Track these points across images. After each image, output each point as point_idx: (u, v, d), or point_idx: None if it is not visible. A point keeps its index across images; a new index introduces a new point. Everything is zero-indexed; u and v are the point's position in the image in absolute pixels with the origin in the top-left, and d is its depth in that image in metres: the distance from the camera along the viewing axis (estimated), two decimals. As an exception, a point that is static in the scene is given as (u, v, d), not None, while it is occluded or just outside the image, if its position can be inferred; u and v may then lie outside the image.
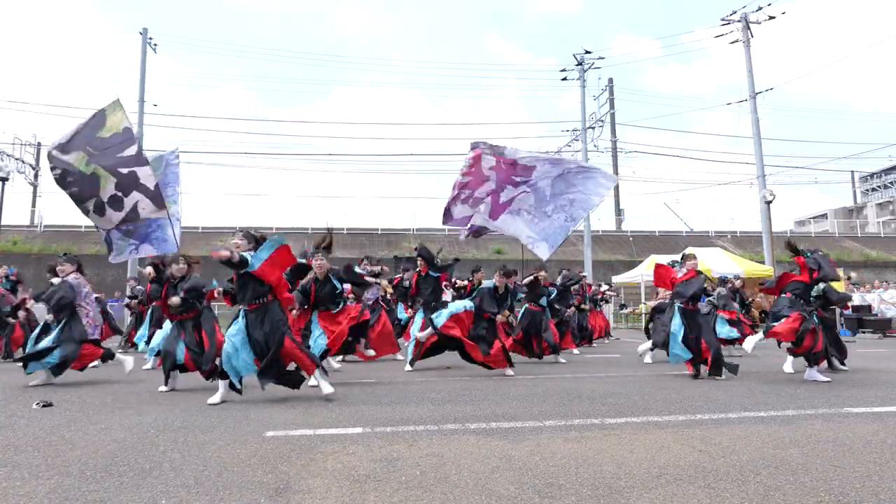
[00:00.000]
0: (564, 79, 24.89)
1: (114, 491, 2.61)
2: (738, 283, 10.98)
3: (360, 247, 27.60)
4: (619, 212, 36.53)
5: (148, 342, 7.81)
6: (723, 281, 10.82)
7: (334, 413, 4.54)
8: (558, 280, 10.19)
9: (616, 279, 21.21)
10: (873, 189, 54.18)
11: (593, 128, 24.91)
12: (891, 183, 52.38)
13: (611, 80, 26.68)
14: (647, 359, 8.61)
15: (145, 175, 7.45)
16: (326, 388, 5.18)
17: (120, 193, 7.42)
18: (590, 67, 24.20)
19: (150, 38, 22.34)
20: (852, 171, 50.12)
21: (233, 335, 5.12)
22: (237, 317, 5.24)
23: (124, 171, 7.35)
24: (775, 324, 6.69)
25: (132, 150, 7.40)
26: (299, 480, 2.76)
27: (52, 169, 7.31)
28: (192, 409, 4.70)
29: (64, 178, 7.26)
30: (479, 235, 9.96)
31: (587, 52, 24.06)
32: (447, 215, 8.81)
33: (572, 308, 10.47)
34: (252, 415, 4.47)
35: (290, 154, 65.52)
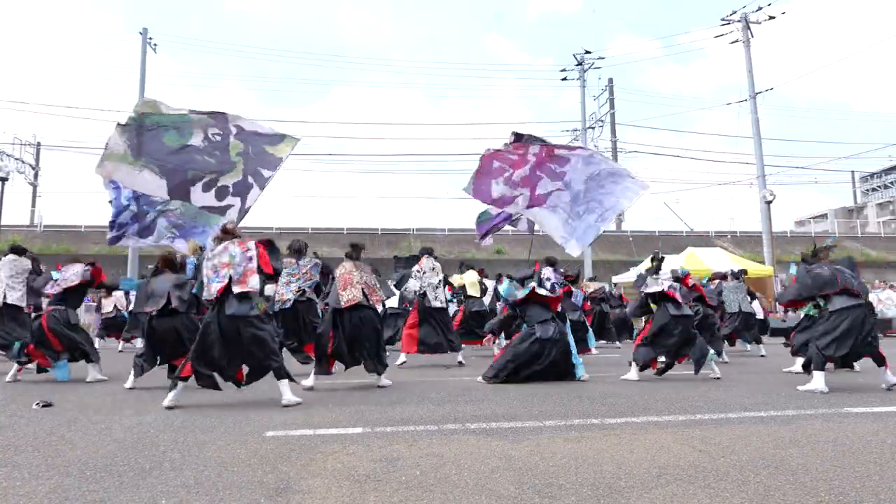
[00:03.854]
0: (564, 79, 24.91)
1: (114, 491, 2.61)
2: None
3: (360, 247, 27.55)
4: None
5: None
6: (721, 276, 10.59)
7: (334, 413, 4.54)
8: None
9: (616, 279, 21.22)
10: (873, 189, 54.20)
11: (593, 128, 24.96)
12: (891, 183, 52.39)
13: (611, 80, 26.71)
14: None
15: (255, 194, 7.59)
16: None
17: (231, 190, 7.48)
18: (590, 67, 24.21)
19: (150, 38, 22.35)
20: (852, 171, 50.19)
21: None
22: None
23: (250, 180, 7.48)
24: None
25: (270, 174, 7.52)
26: (299, 480, 2.75)
27: (210, 127, 7.15)
28: (192, 410, 4.70)
29: (210, 141, 7.23)
30: (486, 235, 9.82)
31: (587, 52, 24.08)
32: (481, 191, 8.02)
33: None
34: (252, 415, 4.47)
35: (291, 154, 65.26)
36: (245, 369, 5.14)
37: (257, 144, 7.48)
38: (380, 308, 8.25)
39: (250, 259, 5.03)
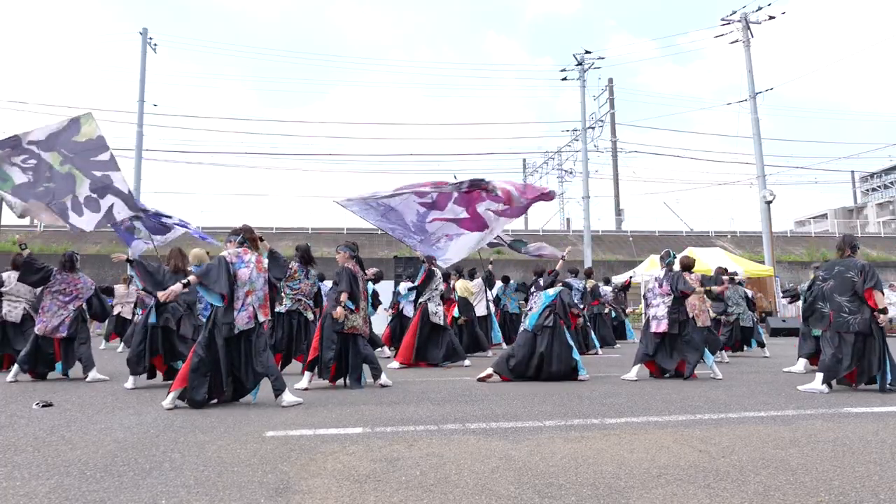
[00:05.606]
0: (564, 79, 24.90)
1: (114, 491, 2.61)
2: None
3: (360, 247, 27.53)
4: (619, 212, 36.53)
5: None
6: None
7: (334, 413, 4.54)
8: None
9: (616, 279, 21.21)
10: (873, 189, 54.26)
11: (593, 128, 24.96)
12: (891, 183, 52.45)
13: (611, 80, 26.70)
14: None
15: (118, 179, 7.76)
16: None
17: (95, 195, 7.59)
18: (590, 67, 24.20)
19: (150, 38, 22.35)
20: (852, 171, 50.26)
21: None
22: None
23: (98, 174, 7.57)
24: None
25: (105, 156, 7.70)
26: (299, 480, 2.76)
27: (26, 160, 7.33)
28: (193, 410, 4.70)
29: (40, 172, 7.35)
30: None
31: (587, 52, 24.07)
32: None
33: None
34: (252, 415, 4.47)
35: (290, 154, 65.55)
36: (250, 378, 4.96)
37: (65, 143, 7.61)
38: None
39: (266, 282, 5.10)
